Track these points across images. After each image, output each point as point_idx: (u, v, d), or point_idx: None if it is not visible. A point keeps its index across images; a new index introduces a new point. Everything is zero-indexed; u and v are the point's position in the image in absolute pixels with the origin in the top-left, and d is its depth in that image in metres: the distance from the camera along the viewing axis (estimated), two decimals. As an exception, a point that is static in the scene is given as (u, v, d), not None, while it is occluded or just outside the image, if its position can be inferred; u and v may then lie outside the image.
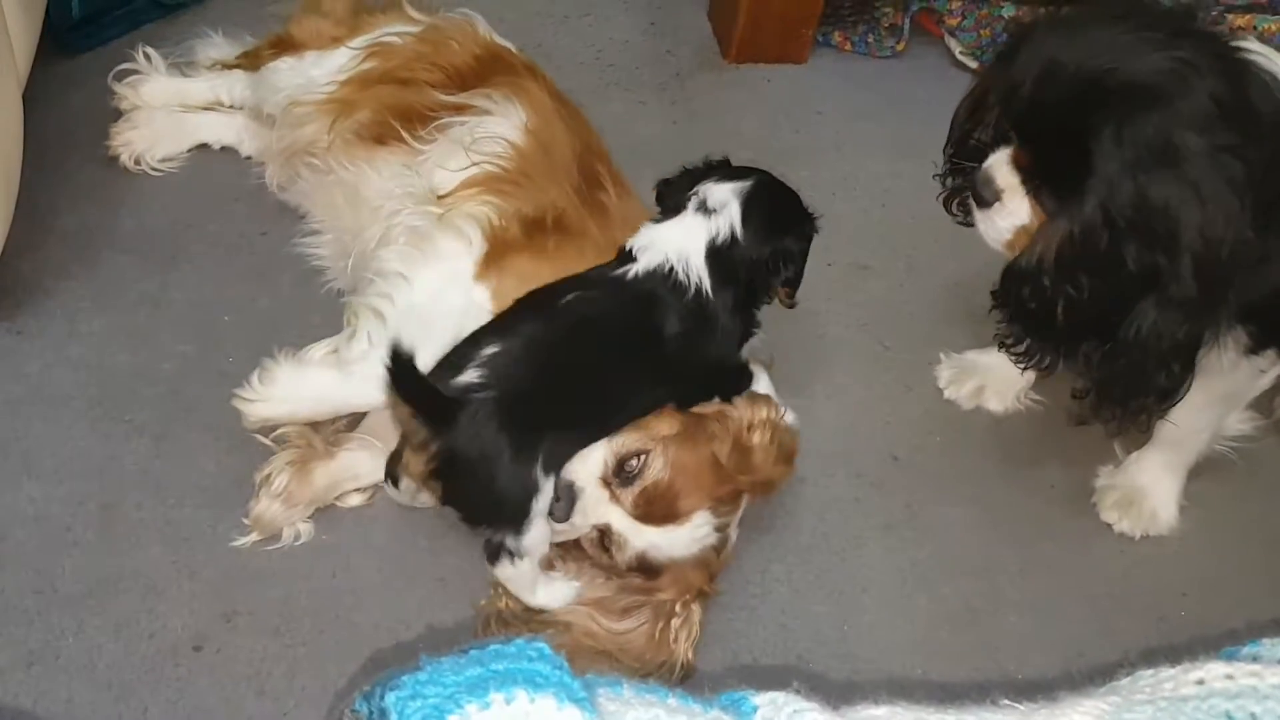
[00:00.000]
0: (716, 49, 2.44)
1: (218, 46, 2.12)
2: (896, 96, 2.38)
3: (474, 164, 1.67)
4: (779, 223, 1.50)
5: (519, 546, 1.40)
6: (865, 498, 1.77)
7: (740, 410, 1.51)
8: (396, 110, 1.78)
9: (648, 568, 1.48)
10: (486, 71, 1.83)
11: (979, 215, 1.44)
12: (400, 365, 1.29)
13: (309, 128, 1.85)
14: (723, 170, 1.54)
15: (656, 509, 1.44)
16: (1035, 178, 1.37)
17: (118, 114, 2.04)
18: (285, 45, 1.96)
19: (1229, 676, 0.91)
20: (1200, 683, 0.91)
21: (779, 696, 0.89)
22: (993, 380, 1.90)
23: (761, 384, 1.58)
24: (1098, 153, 1.27)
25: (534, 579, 1.46)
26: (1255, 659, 0.96)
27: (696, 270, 1.46)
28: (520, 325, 1.42)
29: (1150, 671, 0.95)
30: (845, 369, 1.93)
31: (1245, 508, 1.81)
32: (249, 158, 2.04)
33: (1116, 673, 0.99)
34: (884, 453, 1.83)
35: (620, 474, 1.44)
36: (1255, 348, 1.56)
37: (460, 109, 1.76)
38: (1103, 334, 1.38)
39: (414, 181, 1.71)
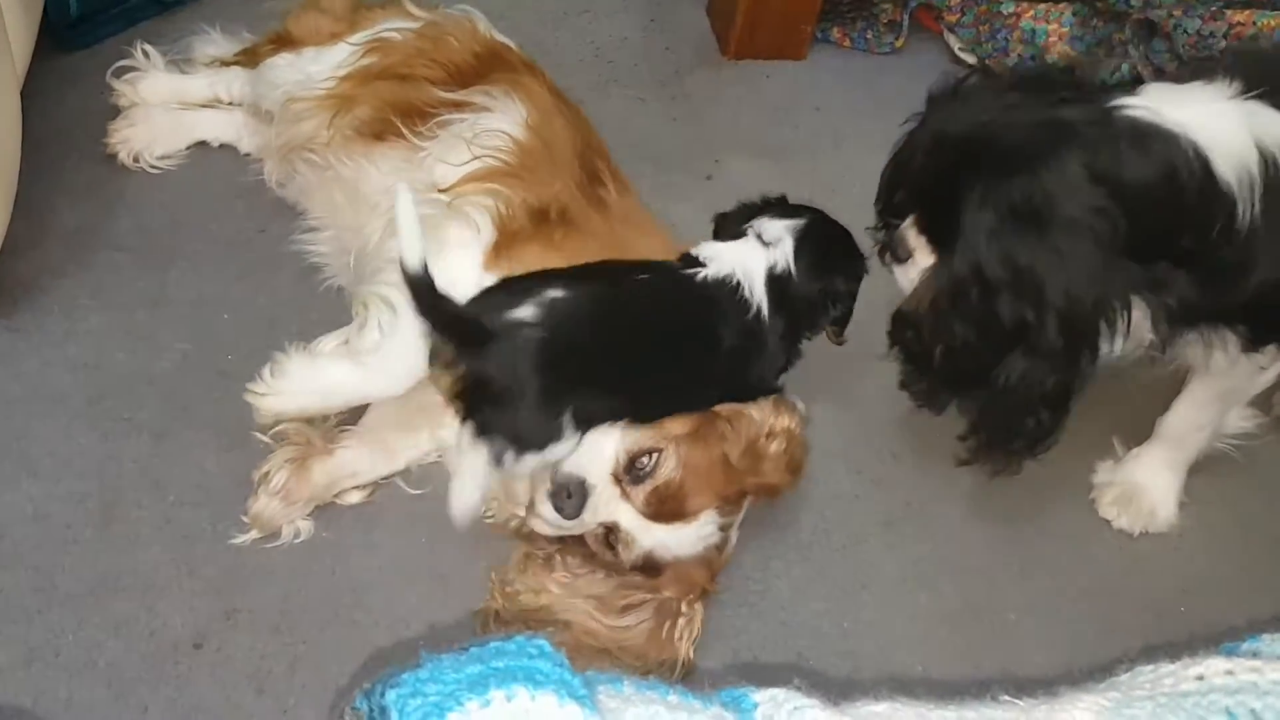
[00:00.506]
0: (715, 46, 2.44)
1: (216, 43, 2.11)
2: (895, 93, 2.36)
3: (475, 158, 1.66)
4: (830, 262, 1.54)
5: (513, 467, 1.39)
6: (866, 495, 1.78)
7: (762, 414, 1.51)
8: (396, 106, 1.78)
9: (651, 566, 1.48)
10: (486, 68, 1.83)
11: (896, 269, 1.53)
12: (420, 287, 1.32)
13: (307, 124, 1.85)
14: (779, 207, 1.57)
15: (666, 508, 1.45)
16: (932, 239, 1.46)
17: (116, 111, 2.03)
18: (284, 41, 1.96)
19: (1229, 672, 0.91)
20: (1200, 678, 0.91)
21: (779, 693, 0.89)
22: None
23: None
24: (966, 214, 1.37)
25: (478, 483, 1.41)
26: (1255, 654, 0.96)
27: (759, 292, 1.48)
28: (588, 283, 1.43)
29: (1150, 667, 0.95)
30: (846, 367, 1.92)
31: (1244, 505, 1.81)
32: (248, 155, 2.04)
33: (1116, 669, 0.99)
34: (884, 450, 1.83)
35: (631, 471, 1.45)
36: (1252, 346, 1.56)
37: (460, 105, 1.76)
38: (980, 381, 1.45)
39: (414, 176, 1.70)
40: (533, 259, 1.54)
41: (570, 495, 1.43)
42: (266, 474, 1.58)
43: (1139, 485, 1.78)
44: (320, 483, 1.60)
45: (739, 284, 1.48)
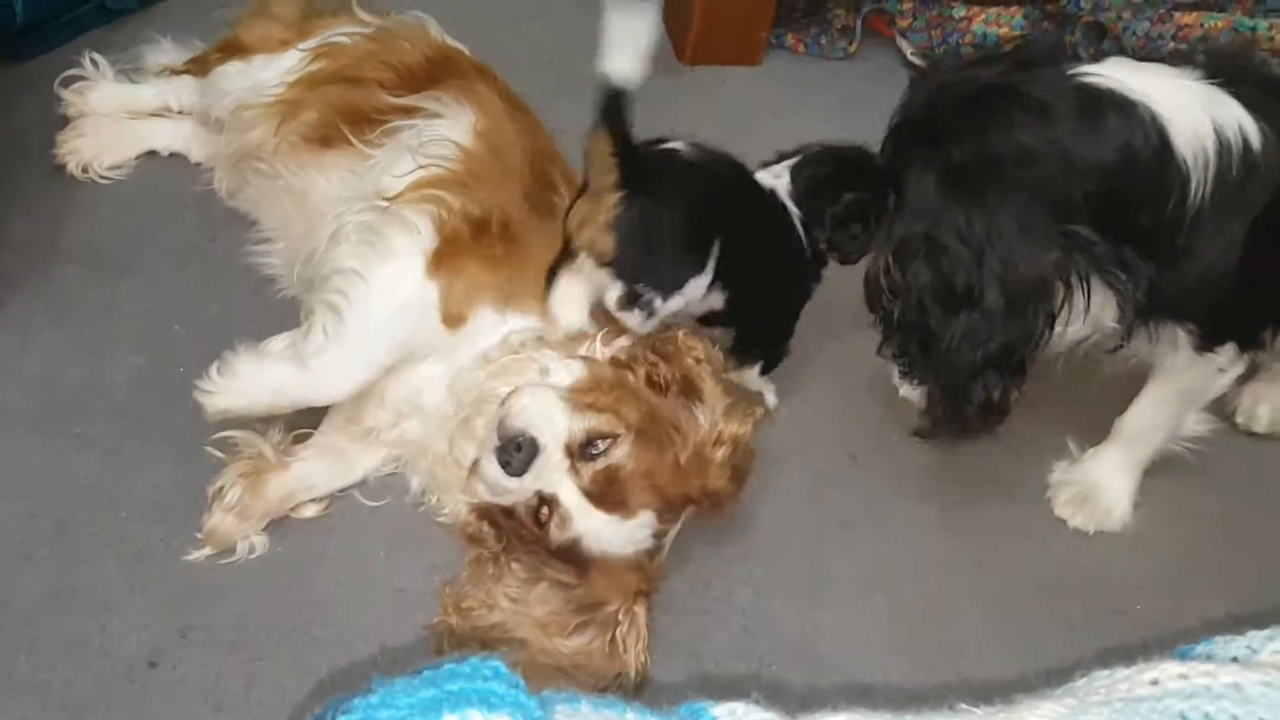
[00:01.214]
0: (671, 51, 2.44)
1: (166, 52, 2.09)
2: (850, 97, 2.39)
3: (421, 167, 1.66)
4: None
5: (658, 307, 1.50)
6: (825, 496, 1.78)
7: (712, 419, 1.51)
8: (343, 111, 1.77)
9: (575, 557, 1.46)
10: (438, 73, 1.82)
11: None
12: (612, 101, 1.41)
13: (256, 131, 1.83)
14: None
15: (611, 494, 1.43)
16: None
17: (65, 122, 2.01)
18: (233, 49, 1.94)
19: (1183, 676, 0.92)
20: (1155, 683, 0.92)
21: (738, 707, 0.89)
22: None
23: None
24: (910, 176, 1.43)
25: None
26: (1209, 658, 0.97)
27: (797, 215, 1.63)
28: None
29: (1106, 672, 0.96)
30: (803, 368, 1.93)
31: (1197, 503, 1.83)
32: (198, 164, 2.02)
33: (1073, 673, 1.00)
34: (842, 452, 1.84)
35: (585, 450, 1.44)
36: (1203, 345, 1.58)
37: (409, 111, 1.75)
38: (933, 346, 1.49)
39: (360, 187, 1.70)
40: (472, 273, 1.55)
41: (519, 449, 1.41)
42: (220, 489, 1.56)
43: (1095, 485, 1.80)
44: (275, 497, 1.58)
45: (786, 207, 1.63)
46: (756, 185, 1.63)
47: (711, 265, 1.53)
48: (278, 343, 1.56)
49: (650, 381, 1.53)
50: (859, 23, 2.47)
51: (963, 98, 1.42)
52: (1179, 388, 1.69)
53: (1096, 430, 1.81)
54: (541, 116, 1.93)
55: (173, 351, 1.77)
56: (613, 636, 1.45)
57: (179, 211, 1.96)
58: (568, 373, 1.50)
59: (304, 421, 1.67)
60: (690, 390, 1.54)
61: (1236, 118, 1.42)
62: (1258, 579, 1.76)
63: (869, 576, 1.69)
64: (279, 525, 1.61)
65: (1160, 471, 1.80)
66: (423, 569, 1.59)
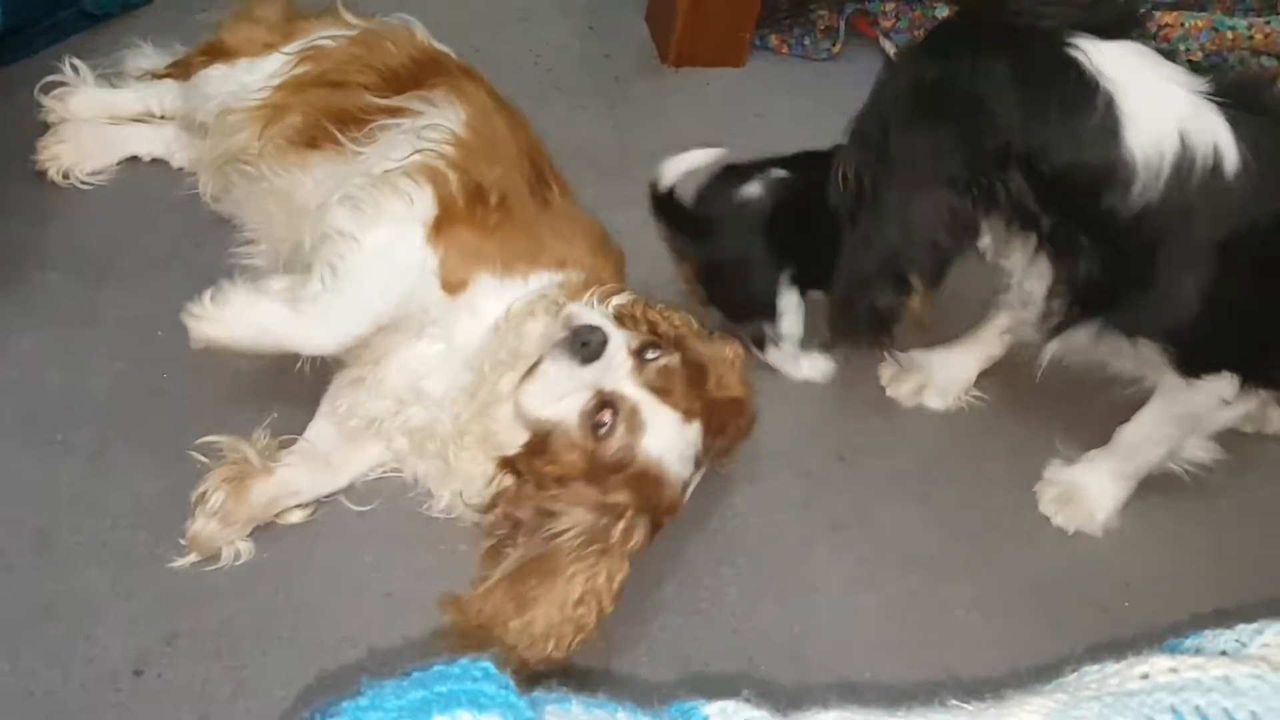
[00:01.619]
0: (655, 53, 2.44)
1: (147, 56, 2.08)
2: (834, 98, 2.35)
3: (418, 151, 1.64)
4: None
5: (777, 333, 1.79)
6: (813, 498, 1.78)
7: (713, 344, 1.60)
8: (330, 113, 1.76)
9: (620, 464, 1.45)
10: (423, 75, 1.82)
11: None
12: (660, 195, 1.70)
13: (241, 135, 1.82)
14: None
15: (673, 391, 1.46)
16: None
17: (46, 128, 1.99)
18: (217, 52, 1.93)
19: (1173, 670, 0.91)
20: (1145, 677, 0.91)
21: (729, 705, 0.89)
22: (934, 378, 1.92)
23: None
24: (888, 82, 1.52)
25: (797, 356, 1.85)
26: (1198, 651, 0.97)
27: None
28: (808, 168, 1.73)
29: (1096, 667, 0.95)
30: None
31: (1185, 501, 1.83)
32: (181, 169, 2.00)
33: (1063, 669, 0.99)
34: (830, 452, 1.84)
35: (640, 355, 1.48)
36: (1184, 369, 1.58)
37: (396, 111, 1.74)
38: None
39: (351, 179, 1.67)
40: (471, 240, 1.56)
41: (586, 342, 1.44)
42: (203, 494, 1.55)
43: (1083, 487, 1.80)
44: (259, 502, 1.57)
45: None
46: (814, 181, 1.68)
47: (789, 284, 1.76)
48: (276, 283, 1.57)
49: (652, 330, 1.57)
50: (842, 23, 2.47)
51: (970, 26, 1.48)
52: (1176, 411, 1.68)
53: (1096, 440, 1.80)
54: (529, 116, 1.92)
55: (155, 357, 1.75)
56: (604, 525, 1.43)
57: (161, 216, 1.95)
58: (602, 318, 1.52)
59: (289, 427, 1.66)
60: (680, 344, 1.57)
61: (1214, 137, 1.40)
62: (1244, 575, 1.77)
63: (858, 576, 1.69)
64: (264, 531, 1.59)
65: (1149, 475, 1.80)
66: (410, 574, 1.58)
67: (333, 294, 1.52)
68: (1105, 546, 1.79)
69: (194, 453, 1.59)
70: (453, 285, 1.57)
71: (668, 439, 1.46)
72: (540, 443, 1.49)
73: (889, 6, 2.46)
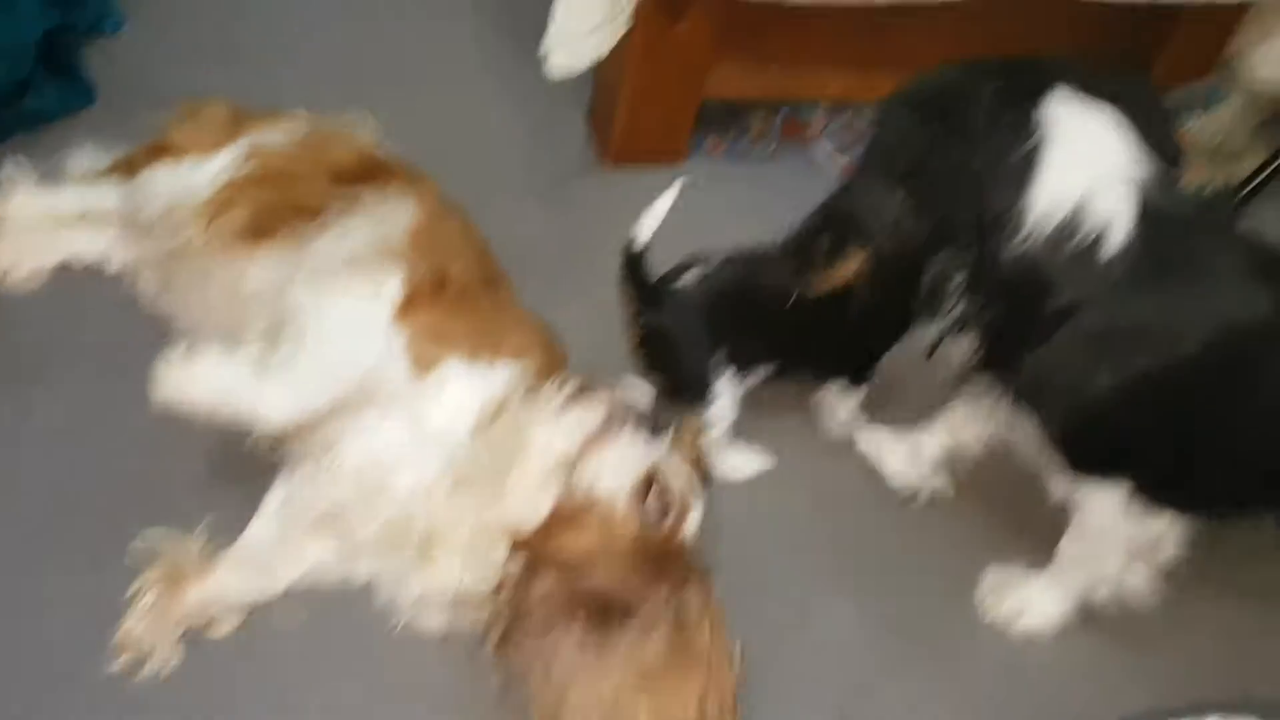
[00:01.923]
0: (595, 153, 2.49)
1: (90, 157, 2.06)
2: (771, 196, 2.42)
3: (376, 239, 1.67)
4: None
5: (706, 417, 1.78)
6: (756, 595, 1.76)
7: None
8: (279, 206, 1.77)
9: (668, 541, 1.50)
10: (374, 173, 1.84)
11: None
12: (632, 255, 1.76)
13: (185, 234, 1.81)
14: None
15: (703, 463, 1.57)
16: None
17: (-18, 229, 1.97)
18: (163, 151, 1.93)
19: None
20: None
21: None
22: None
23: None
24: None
25: (725, 446, 1.84)
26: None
27: None
28: (752, 256, 1.82)
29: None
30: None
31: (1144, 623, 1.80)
32: (119, 270, 1.98)
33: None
34: (775, 546, 1.85)
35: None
36: (1070, 464, 1.57)
37: (348, 204, 1.76)
38: None
39: (299, 270, 1.69)
40: (441, 322, 1.58)
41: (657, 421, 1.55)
42: (137, 593, 1.52)
43: (1024, 584, 1.79)
44: (193, 604, 1.54)
45: None
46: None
47: (725, 368, 1.80)
48: (246, 350, 1.56)
49: None
50: (776, 127, 2.55)
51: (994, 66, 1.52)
52: (1086, 521, 1.65)
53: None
54: (473, 214, 1.95)
55: (87, 465, 1.72)
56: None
57: (99, 320, 1.92)
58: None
59: (229, 527, 1.63)
60: None
61: (1112, 218, 1.42)
62: (1182, 676, 1.77)
63: (799, 682, 1.68)
64: (197, 643, 1.55)
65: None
66: (350, 688, 1.54)
67: (295, 363, 1.52)
68: (1045, 644, 1.79)
69: (131, 550, 1.56)
70: (422, 363, 1.57)
71: (701, 513, 1.51)
72: (563, 523, 1.49)
73: (820, 111, 2.55)
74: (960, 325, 1.52)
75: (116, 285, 1.97)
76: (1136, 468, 1.56)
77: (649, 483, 1.51)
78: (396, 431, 1.57)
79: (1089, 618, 1.79)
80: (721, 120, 2.57)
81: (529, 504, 1.51)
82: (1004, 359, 1.53)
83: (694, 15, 2.27)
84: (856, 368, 1.93)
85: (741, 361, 1.82)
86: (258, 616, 1.60)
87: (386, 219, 1.72)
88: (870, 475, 1.98)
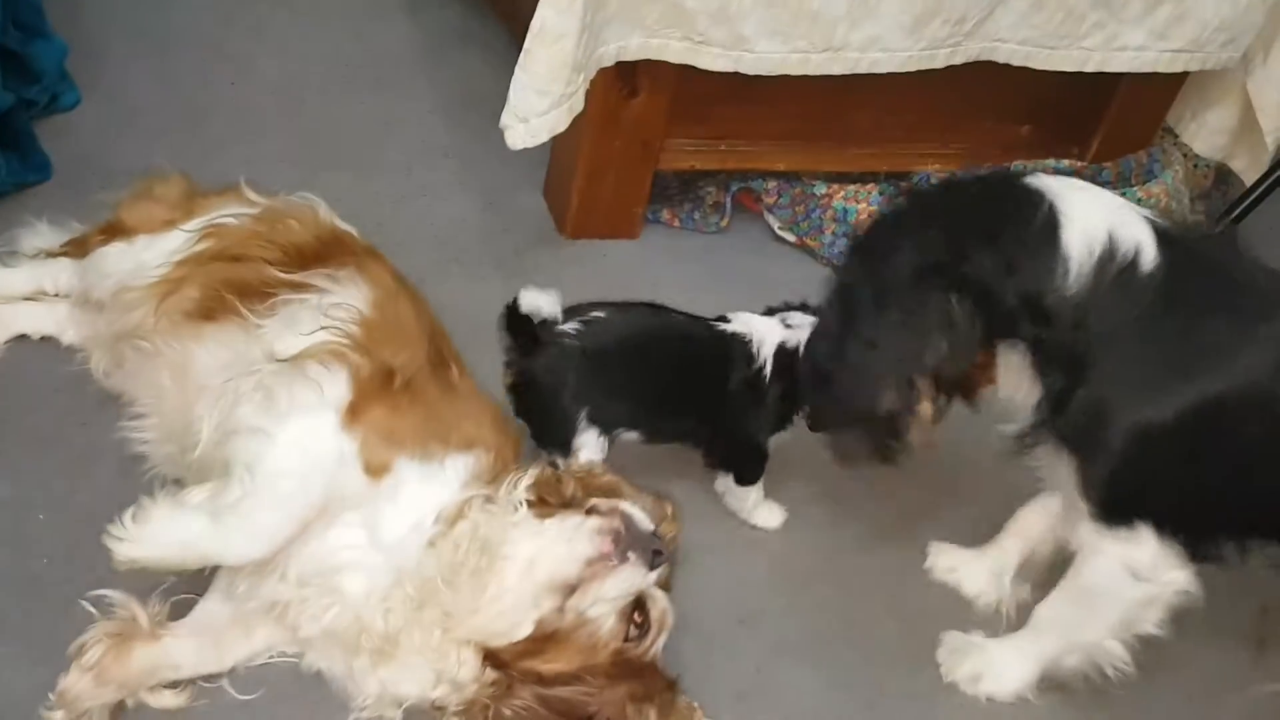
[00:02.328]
0: (552, 225, 2.52)
1: (42, 234, 2.04)
2: (723, 268, 2.48)
3: (323, 327, 1.65)
4: None
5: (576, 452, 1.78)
6: (716, 665, 1.77)
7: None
8: (230, 285, 1.75)
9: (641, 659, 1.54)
10: (327, 253, 1.83)
11: None
12: (513, 305, 1.74)
13: (137, 312, 1.79)
14: (806, 308, 1.89)
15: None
16: None
17: (-67, 308, 1.95)
18: (116, 230, 1.92)
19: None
20: None
21: None
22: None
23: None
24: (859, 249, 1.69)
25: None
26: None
27: (765, 355, 1.83)
28: (630, 311, 1.85)
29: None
30: (691, 529, 1.95)
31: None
32: (69, 346, 1.96)
33: None
34: (731, 616, 1.84)
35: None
36: (1097, 504, 1.57)
37: (299, 287, 1.75)
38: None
39: (247, 354, 1.68)
40: (389, 421, 1.56)
41: (659, 553, 1.54)
42: (83, 646, 1.49)
43: (989, 654, 1.79)
44: (138, 668, 1.51)
45: (749, 341, 1.84)
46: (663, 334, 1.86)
47: (585, 423, 1.78)
48: (196, 494, 1.52)
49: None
50: (729, 199, 2.59)
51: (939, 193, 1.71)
52: (1082, 584, 1.66)
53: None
54: (429, 290, 1.96)
55: (35, 542, 1.70)
56: None
57: (47, 396, 1.90)
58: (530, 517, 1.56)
59: (189, 589, 1.61)
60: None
61: (1138, 239, 1.50)
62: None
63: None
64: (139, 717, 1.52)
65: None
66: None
67: (253, 500, 1.48)
68: (1007, 709, 1.79)
69: (86, 603, 1.54)
70: (375, 468, 1.55)
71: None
72: (544, 640, 1.50)
73: (771, 184, 2.58)
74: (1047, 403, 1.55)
75: (68, 359, 1.95)
76: (1168, 507, 1.56)
77: (636, 606, 1.52)
78: (349, 536, 1.55)
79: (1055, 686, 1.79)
80: (676, 192, 2.61)
81: (510, 620, 1.50)
82: (1057, 408, 1.56)
83: (649, 90, 2.31)
84: (741, 463, 1.93)
85: (603, 422, 1.79)
86: (202, 694, 1.57)
87: (336, 305, 1.71)
88: (825, 548, 1.99)
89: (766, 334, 1.85)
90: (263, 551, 1.51)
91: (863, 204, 2.56)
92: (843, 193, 2.56)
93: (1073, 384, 1.51)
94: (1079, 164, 2.68)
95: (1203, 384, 1.49)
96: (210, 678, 1.58)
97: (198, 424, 1.65)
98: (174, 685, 1.55)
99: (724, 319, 1.88)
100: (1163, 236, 1.52)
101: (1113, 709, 1.78)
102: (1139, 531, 1.57)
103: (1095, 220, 1.51)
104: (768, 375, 1.83)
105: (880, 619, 1.89)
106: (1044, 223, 1.50)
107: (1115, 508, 1.57)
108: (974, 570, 1.93)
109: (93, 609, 1.53)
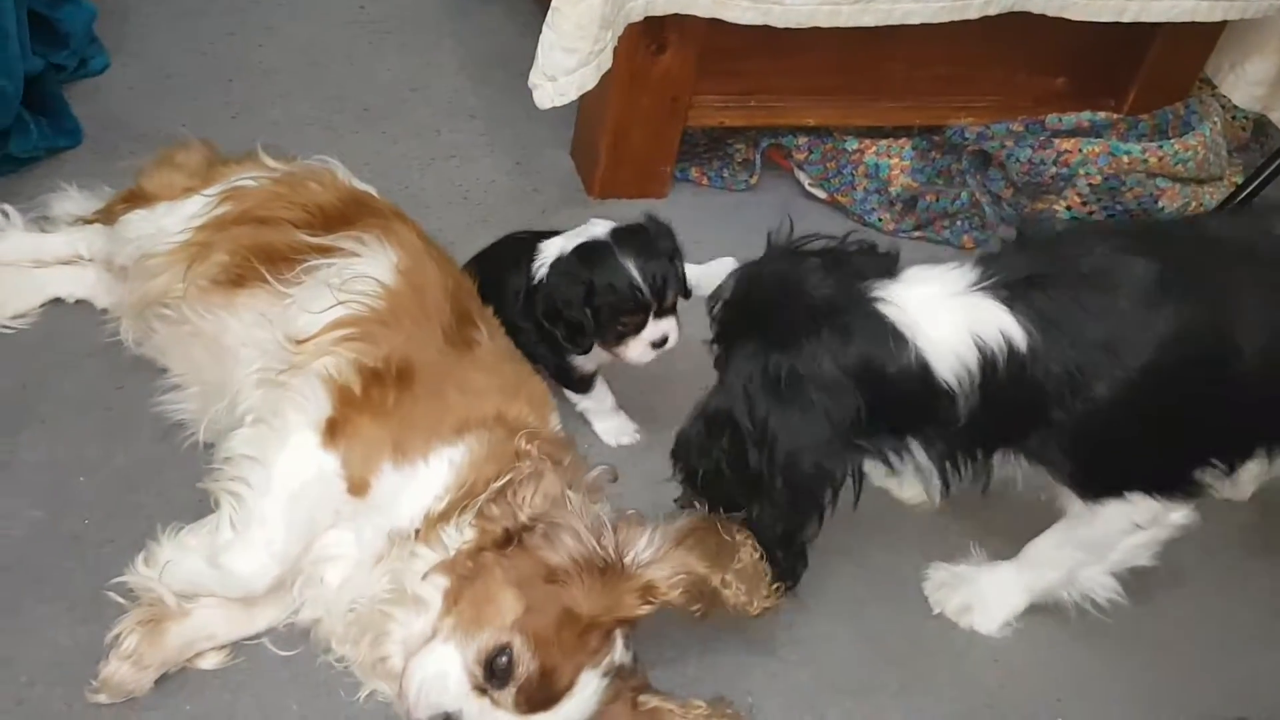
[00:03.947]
0: (580, 186, 2.50)
1: (74, 200, 2.06)
2: (754, 225, 2.37)
3: (339, 303, 1.66)
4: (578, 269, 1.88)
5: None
6: (746, 622, 1.77)
7: (594, 537, 1.50)
8: (256, 250, 1.76)
9: None
10: (351, 213, 1.83)
11: None
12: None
13: (161, 278, 1.81)
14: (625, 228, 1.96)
15: (540, 696, 1.42)
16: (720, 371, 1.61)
17: (-35, 270, 1.96)
18: (137, 198, 1.93)
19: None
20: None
21: None
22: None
23: None
24: (733, 362, 1.55)
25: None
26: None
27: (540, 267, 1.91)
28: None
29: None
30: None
31: (1117, 614, 1.81)
32: (104, 310, 1.98)
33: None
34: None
35: (491, 675, 1.42)
36: (1084, 493, 1.63)
37: (327, 250, 1.75)
38: (736, 508, 1.62)
39: (275, 328, 1.69)
40: (367, 431, 1.56)
41: None
42: (118, 637, 1.51)
43: (975, 580, 1.82)
44: (174, 645, 1.53)
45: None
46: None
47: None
48: (193, 536, 1.56)
49: (506, 540, 1.51)
50: (758, 156, 2.56)
51: (790, 304, 1.54)
52: (1080, 537, 1.71)
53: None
54: (457, 249, 1.97)
55: (75, 503, 1.72)
56: None
57: (83, 360, 1.92)
58: (434, 591, 1.49)
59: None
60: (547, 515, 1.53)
61: (999, 325, 1.50)
62: (1176, 692, 1.79)
63: (794, 703, 1.69)
64: (186, 680, 1.55)
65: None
66: (338, 721, 1.54)
67: (243, 539, 1.53)
68: (1034, 663, 1.80)
69: (112, 594, 1.55)
70: (357, 485, 1.56)
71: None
72: None
73: (802, 140, 2.55)
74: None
75: (103, 324, 1.97)
76: (1145, 472, 1.63)
77: None
78: (338, 534, 1.58)
79: (1079, 634, 1.80)
80: (705, 150, 2.58)
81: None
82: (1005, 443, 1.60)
83: (677, 45, 2.28)
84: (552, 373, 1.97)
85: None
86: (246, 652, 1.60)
87: (364, 269, 1.71)
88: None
89: (550, 252, 1.89)
90: (263, 586, 1.55)
91: (895, 159, 2.53)
92: (875, 148, 2.53)
93: (988, 441, 1.58)
94: (1114, 116, 2.64)
95: (1117, 375, 1.52)
96: (247, 639, 1.61)
97: (234, 397, 1.68)
98: (213, 650, 1.58)
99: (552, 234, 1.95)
100: (1015, 294, 1.51)
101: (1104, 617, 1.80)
102: (1131, 497, 1.63)
103: (957, 336, 1.50)
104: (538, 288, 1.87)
105: (909, 575, 1.89)
106: (919, 374, 1.49)
107: (1098, 491, 1.64)
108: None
109: (121, 599, 1.56)
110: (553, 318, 1.85)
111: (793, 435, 1.50)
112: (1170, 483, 1.64)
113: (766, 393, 1.50)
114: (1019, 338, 1.49)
